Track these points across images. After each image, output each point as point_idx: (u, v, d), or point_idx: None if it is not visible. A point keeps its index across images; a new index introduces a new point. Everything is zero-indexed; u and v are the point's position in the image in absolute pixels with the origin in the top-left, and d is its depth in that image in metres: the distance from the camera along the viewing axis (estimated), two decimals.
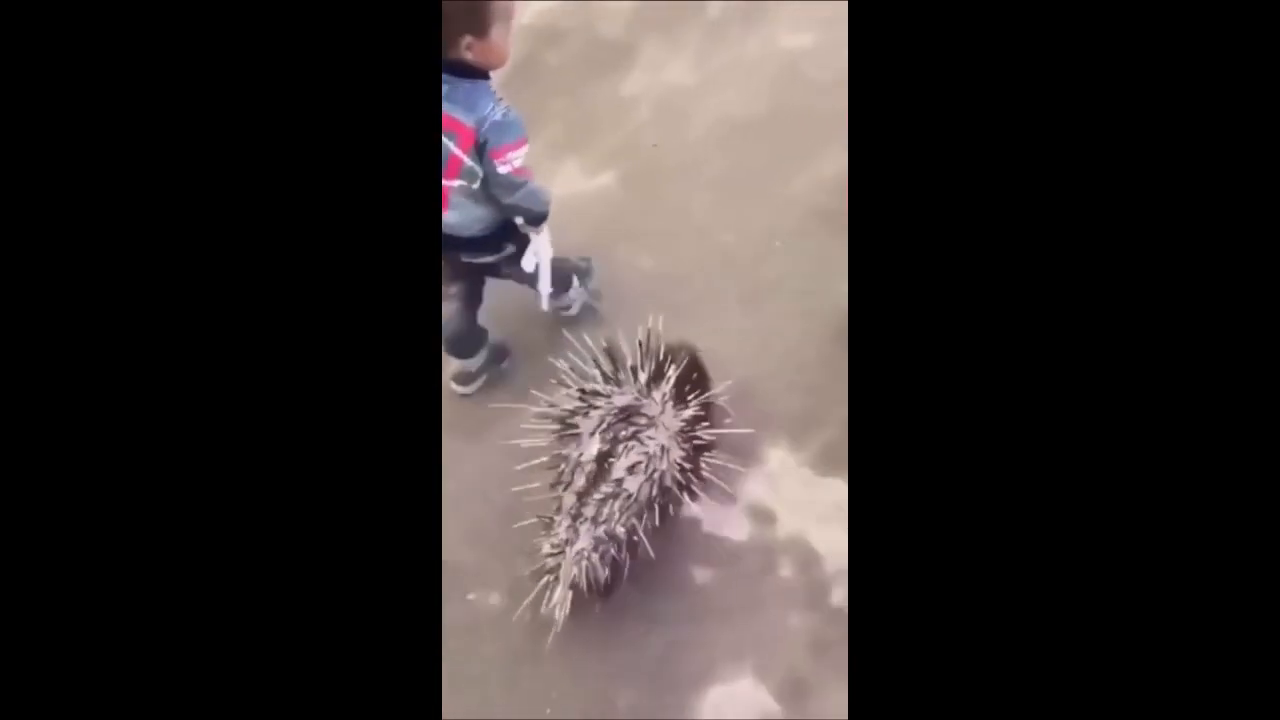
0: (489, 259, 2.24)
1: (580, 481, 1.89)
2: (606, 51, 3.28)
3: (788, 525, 2.10)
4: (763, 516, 2.12)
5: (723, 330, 2.37)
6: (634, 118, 3.12)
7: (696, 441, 1.97)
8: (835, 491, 2.12)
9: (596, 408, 1.91)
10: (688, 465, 1.94)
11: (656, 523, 1.91)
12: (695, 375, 2.05)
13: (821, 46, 3.09)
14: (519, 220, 2.18)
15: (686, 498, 1.96)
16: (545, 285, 2.32)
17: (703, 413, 1.99)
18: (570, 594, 1.87)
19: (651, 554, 1.91)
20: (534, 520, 1.97)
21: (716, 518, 2.12)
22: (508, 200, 2.06)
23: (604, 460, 1.88)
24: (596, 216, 2.74)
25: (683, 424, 1.95)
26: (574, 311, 2.51)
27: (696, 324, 2.26)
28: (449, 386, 2.46)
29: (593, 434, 1.90)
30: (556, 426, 1.96)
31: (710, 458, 2.00)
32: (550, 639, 1.90)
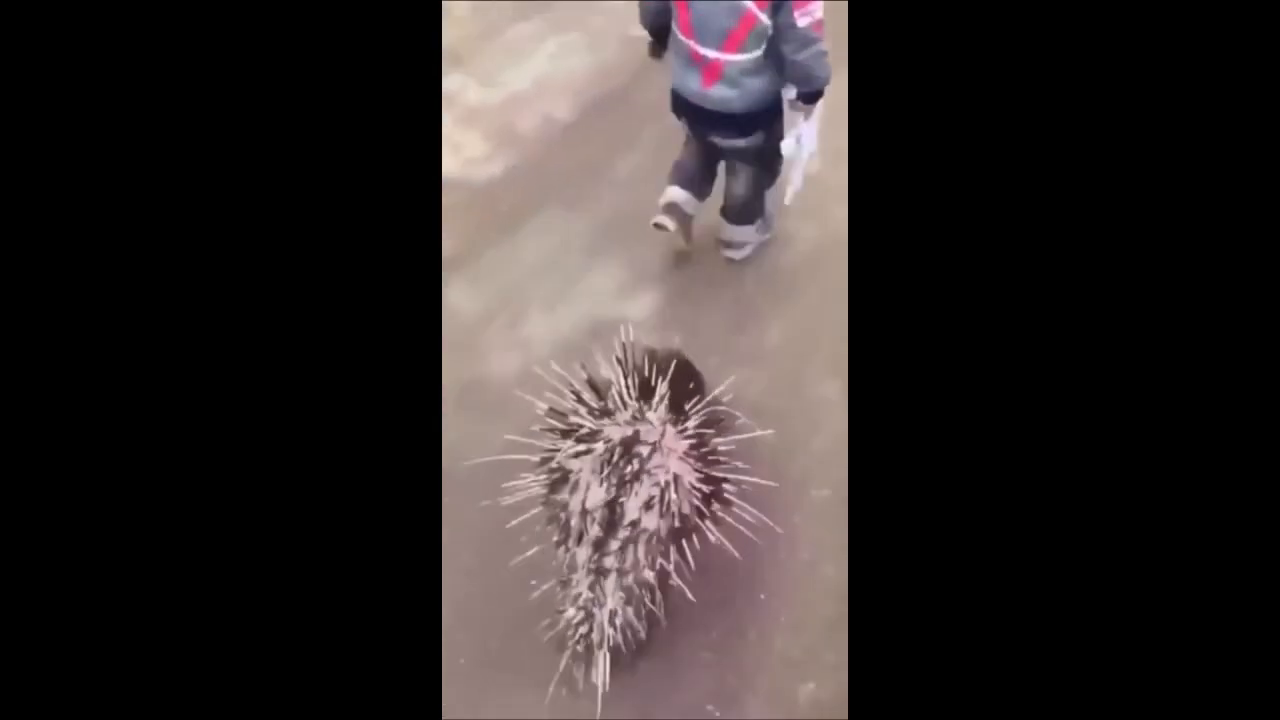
0: (739, 142, 2.13)
1: (594, 531, 1.67)
2: None
3: None
4: None
5: None
6: None
7: (710, 457, 1.74)
8: None
9: (592, 449, 1.69)
10: (706, 487, 1.72)
11: (687, 560, 1.69)
12: (689, 382, 1.82)
13: None
14: (791, 95, 2.05)
15: (710, 525, 1.72)
16: (798, 179, 2.17)
17: (708, 423, 1.75)
18: (609, 658, 1.68)
19: (690, 595, 1.70)
20: (549, 585, 1.74)
21: None
22: (796, 56, 1.91)
23: (614, 505, 1.66)
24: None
25: (689, 442, 1.72)
26: (743, 255, 2.39)
27: None
28: (721, 254, 2.40)
29: (596, 479, 1.67)
30: (546, 476, 1.74)
31: (729, 472, 1.76)
32: (599, 709, 1.70)
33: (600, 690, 1.69)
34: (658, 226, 2.26)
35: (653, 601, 1.72)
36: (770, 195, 2.34)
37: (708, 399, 1.77)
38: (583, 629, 1.69)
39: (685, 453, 1.72)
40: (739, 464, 1.77)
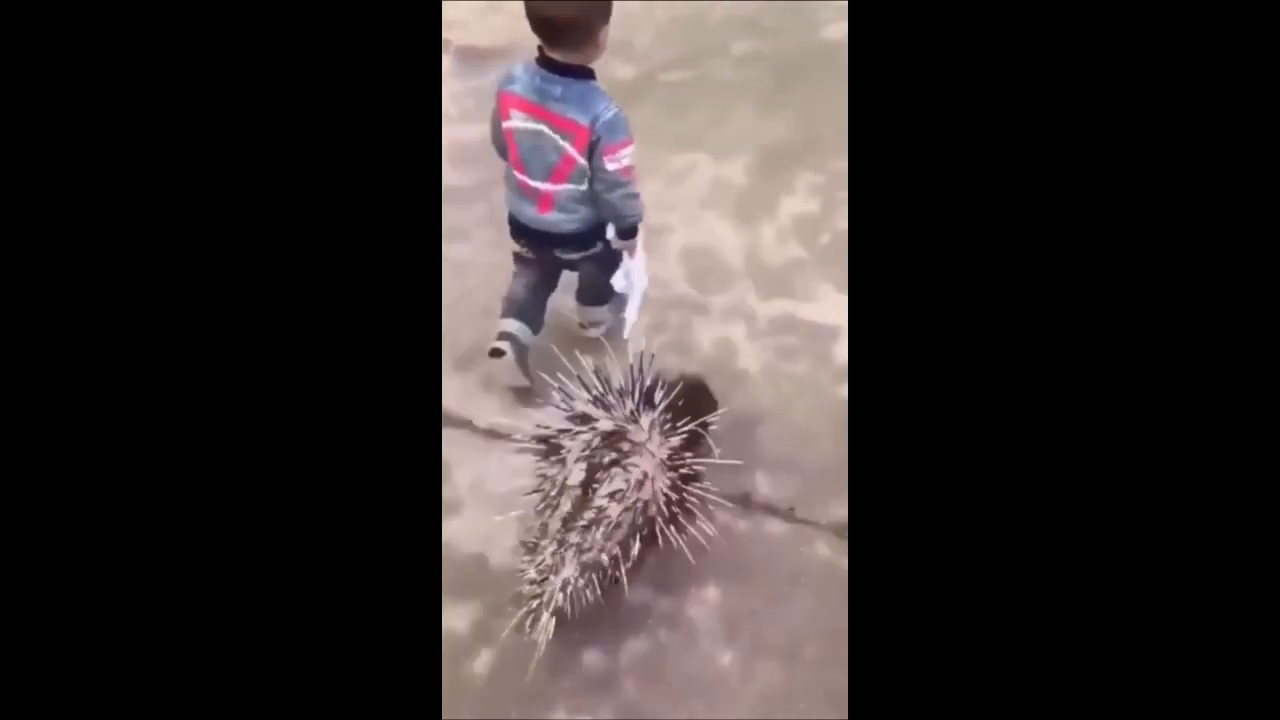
0: (577, 255, 2.33)
1: (566, 506, 1.88)
2: None
3: None
4: None
5: None
6: None
7: (684, 471, 1.92)
8: None
9: (582, 431, 1.91)
10: (673, 495, 1.90)
11: (634, 554, 1.88)
12: (693, 405, 2.01)
13: None
14: (610, 230, 2.28)
15: (672, 529, 1.90)
16: (632, 312, 2.38)
17: (689, 442, 1.94)
18: (554, 620, 1.87)
19: (626, 588, 1.88)
20: (519, 543, 1.97)
21: None
22: (606, 196, 2.15)
23: (587, 486, 1.87)
24: None
25: (670, 452, 1.91)
26: (601, 331, 2.51)
27: None
28: (583, 334, 2.51)
29: (577, 458, 1.89)
30: (543, 447, 1.97)
31: (697, 489, 1.94)
32: (533, 664, 1.89)
33: (539, 648, 1.88)
34: (494, 353, 2.33)
35: (602, 581, 1.90)
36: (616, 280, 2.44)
37: (695, 423, 1.95)
38: (537, 589, 1.89)
39: (664, 461, 1.91)
40: (709, 485, 1.94)
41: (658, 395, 1.95)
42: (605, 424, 1.91)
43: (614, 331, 2.51)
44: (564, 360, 1.99)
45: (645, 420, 1.92)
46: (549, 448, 1.96)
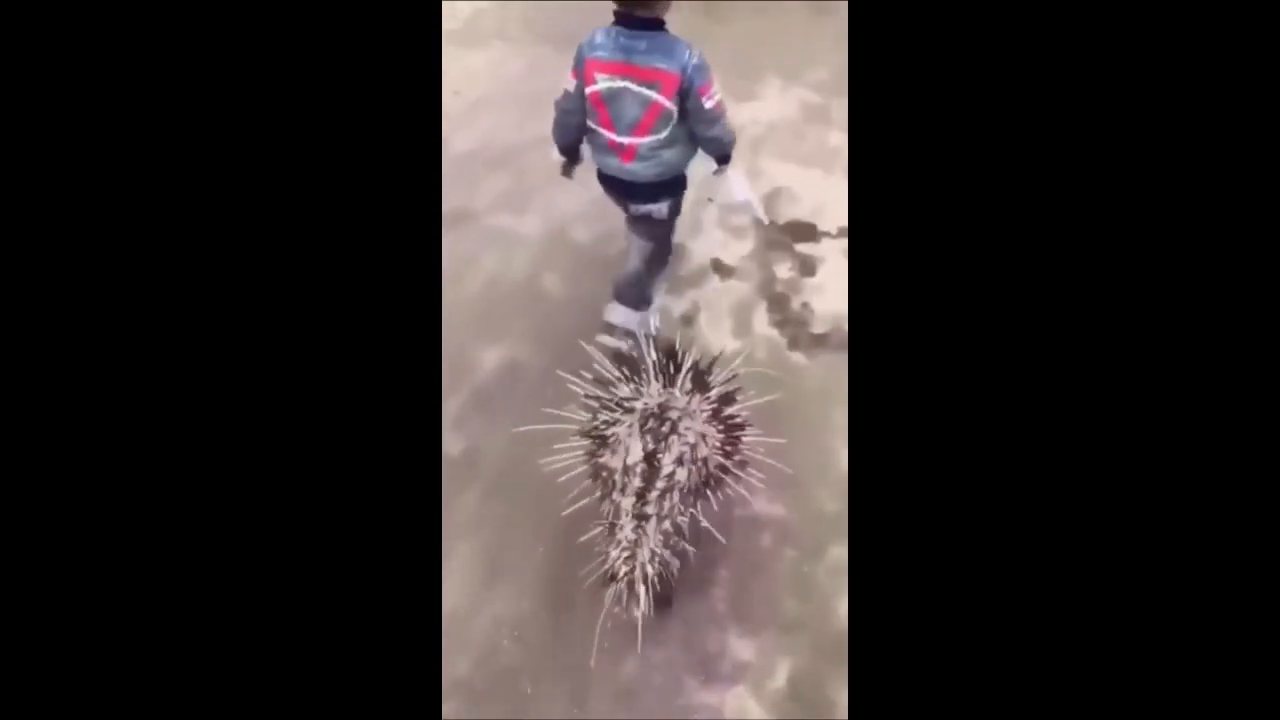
0: (646, 208, 2.50)
1: (636, 483, 2.00)
2: None
3: None
4: None
5: None
6: None
7: (730, 422, 2.10)
8: None
9: (630, 412, 2.05)
10: (728, 447, 2.07)
11: (714, 507, 2.04)
12: (705, 366, 2.19)
13: None
14: (713, 167, 2.46)
15: (730, 479, 2.08)
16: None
17: (723, 396, 2.12)
18: (650, 590, 1.99)
19: (719, 537, 2.04)
20: (597, 530, 2.08)
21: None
22: (709, 133, 2.32)
23: (652, 459, 2.00)
24: None
25: (711, 409, 2.08)
26: (614, 343, 2.60)
27: None
28: (595, 339, 2.58)
29: (634, 439, 2.02)
30: (587, 442, 2.09)
31: (744, 434, 2.12)
32: (640, 636, 2.01)
33: (641, 620, 1.99)
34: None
35: (684, 541, 2.05)
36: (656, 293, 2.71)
37: (725, 374, 2.14)
38: (626, 567, 2.01)
39: (707, 419, 2.08)
40: (751, 428, 2.14)
41: (683, 363, 2.11)
42: (651, 400, 2.05)
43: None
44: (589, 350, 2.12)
45: (679, 389, 2.09)
46: (595, 441, 2.08)
